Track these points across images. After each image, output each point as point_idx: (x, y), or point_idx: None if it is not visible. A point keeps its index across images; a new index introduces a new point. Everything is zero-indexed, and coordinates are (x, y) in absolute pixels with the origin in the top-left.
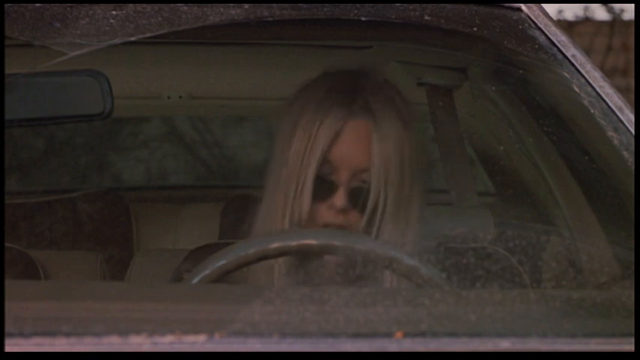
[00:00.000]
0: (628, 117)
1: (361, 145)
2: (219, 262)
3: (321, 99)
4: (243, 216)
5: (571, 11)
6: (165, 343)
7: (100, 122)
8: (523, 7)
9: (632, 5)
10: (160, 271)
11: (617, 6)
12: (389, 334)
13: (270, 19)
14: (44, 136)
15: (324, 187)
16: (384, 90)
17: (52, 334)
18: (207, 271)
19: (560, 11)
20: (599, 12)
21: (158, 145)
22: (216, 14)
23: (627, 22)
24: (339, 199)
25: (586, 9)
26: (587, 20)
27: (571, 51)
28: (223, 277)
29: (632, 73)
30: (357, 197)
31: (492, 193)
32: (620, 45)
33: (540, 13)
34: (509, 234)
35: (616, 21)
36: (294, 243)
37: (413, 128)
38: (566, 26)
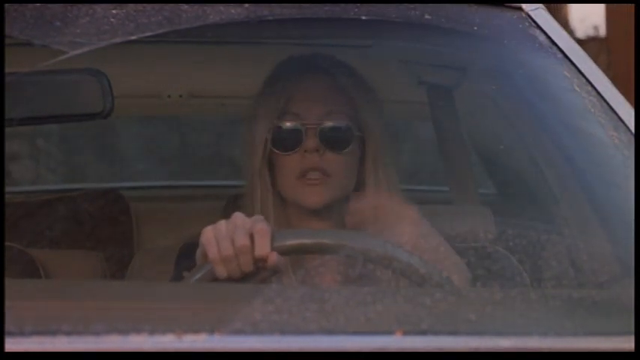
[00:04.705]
0: (628, 116)
1: (323, 93)
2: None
3: (276, 73)
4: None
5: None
6: (166, 341)
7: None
8: (523, 6)
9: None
10: (160, 269)
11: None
12: (389, 333)
13: (270, 17)
14: None
15: (295, 136)
16: (342, 63)
17: (53, 333)
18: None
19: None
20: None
21: None
22: (216, 13)
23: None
24: (310, 140)
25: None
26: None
27: (571, 50)
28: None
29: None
30: (330, 138)
31: (493, 193)
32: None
33: (541, 12)
34: (510, 233)
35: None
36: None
37: (377, 102)
38: None
